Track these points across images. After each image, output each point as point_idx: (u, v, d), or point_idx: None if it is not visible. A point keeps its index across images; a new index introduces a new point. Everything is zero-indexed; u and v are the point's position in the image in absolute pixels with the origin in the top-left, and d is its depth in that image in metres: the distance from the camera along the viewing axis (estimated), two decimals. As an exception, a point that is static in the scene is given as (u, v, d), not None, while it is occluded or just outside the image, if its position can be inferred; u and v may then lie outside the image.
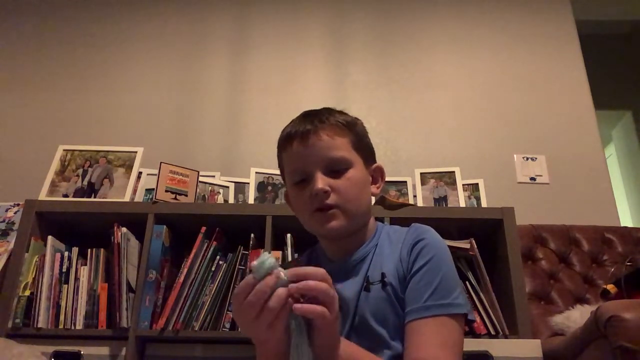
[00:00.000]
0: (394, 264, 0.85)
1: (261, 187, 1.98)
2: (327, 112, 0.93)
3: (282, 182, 1.99)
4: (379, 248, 0.90)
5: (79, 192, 1.77)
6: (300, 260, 1.05)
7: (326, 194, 0.84)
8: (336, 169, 0.86)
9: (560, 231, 1.91)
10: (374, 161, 0.96)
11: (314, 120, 0.90)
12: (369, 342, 0.80)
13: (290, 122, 0.94)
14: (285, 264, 0.90)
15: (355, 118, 0.96)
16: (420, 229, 0.89)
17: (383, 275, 0.84)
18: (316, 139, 0.87)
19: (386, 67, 2.44)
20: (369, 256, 0.89)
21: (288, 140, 0.90)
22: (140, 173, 1.90)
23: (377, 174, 0.96)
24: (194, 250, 1.55)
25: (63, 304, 1.50)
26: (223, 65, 2.43)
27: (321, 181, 0.84)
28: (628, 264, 1.71)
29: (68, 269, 1.55)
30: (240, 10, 2.57)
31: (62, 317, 1.48)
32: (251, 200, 1.93)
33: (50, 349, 1.43)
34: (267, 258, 0.64)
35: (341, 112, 0.95)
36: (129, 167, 1.84)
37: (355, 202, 0.87)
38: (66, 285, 1.53)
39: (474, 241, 1.53)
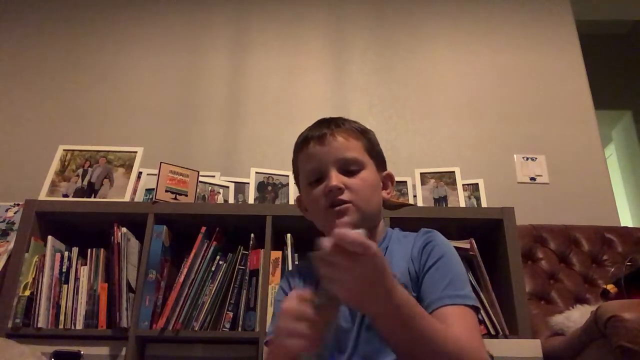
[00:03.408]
0: (406, 265, 0.88)
1: (261, 187, 1.98)
2: (343, 119, 0.97)
3: (282, 182, 1.99)
4: (389, 251, 0.92)
5: (79, 192, 1.77)
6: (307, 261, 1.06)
7: (340, 190, 0.87)
8: (350, 169, 0.90)
9: (560, 231, 1.91)
10: (385, 169, 0.99)
11: (331, 124, 0.94)
12: (379, 342, 0.80)
13: (307, 128, 0.97)
14: None
15: (369, 129, 1.01)
16: (429, 232, 0.92)
17: (394, 275, 0.85)
18: (332, 140, 0.91)
19: (386, 67, 2.44)
20: None
21: (305, 142, 0.94)
22: (140, 173, 1.90)
23: (388, 180, 0.99)
24: (194, 250, 1.55)
25: (63, 304, 1.50)
26: (223, 65, 2.43)
27: (336, 178, 0.87)
28: (628, 264, 1.71)
29: (68, 269, 1.55)
30: (240, 11, 2.57)
31: (62, 317, 1.49)
32: (251, 200, 1.93)
33: (50, 349, 1.43)
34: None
35: (355, 121, 0.99)
36: (129, 167, 1.84)
37: (367, 201, 0.89)
38: (66, 285, 1.53)
39: (474, 241, 1.53)
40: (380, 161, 0.97)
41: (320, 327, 0.65)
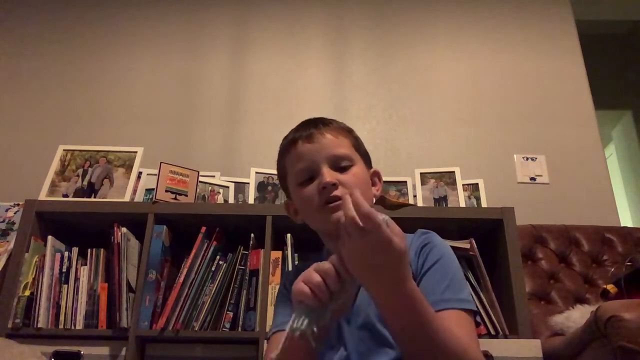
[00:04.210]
0: None
1: (261, 187, 1.98)
2: (327, 118, 0.97)
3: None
4: None
5: (79, 192, 1.77)
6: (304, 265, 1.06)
7: (334, 186, 0.85)
8: (341, 166, 0.89)
9: (560, 231, 1.91)
10: (371, 166, 0.99)
11: (318, 123, 0.93)
12: (374, 342, 0.80)
13: (292, 130, 0.96)
14: None
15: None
16: (426, 234, 0.91)
17: None
18: (321, 137, 0.90)
19: (386, 67, 2.44)
20: None
21: (292, 142, 0.92)
22: (140, 173, 1.90)
23: (375, 177, 0.99)
24: (194, 250, 1.55)
25: (63, 304, 1.50)
26: (223, 65, 2.43)
27: (329, 175, 0.86)
28: (628, 264, 1.71)
29: (68, 269, 1.55)
30: (240, 11, 2.57)
31: (62, 317, 1.49)
32: (251, 200, 1.93)
33: (50, 349, 1.43)
34: None
35: (339, 121, 0.99)
36: (129, 167, 1.84)
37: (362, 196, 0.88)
38: (66, 285, 1.53)
39: (474, 241, 1.53)
40: (367, 159, 0.97)
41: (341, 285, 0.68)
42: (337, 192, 0.85)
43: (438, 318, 0.72)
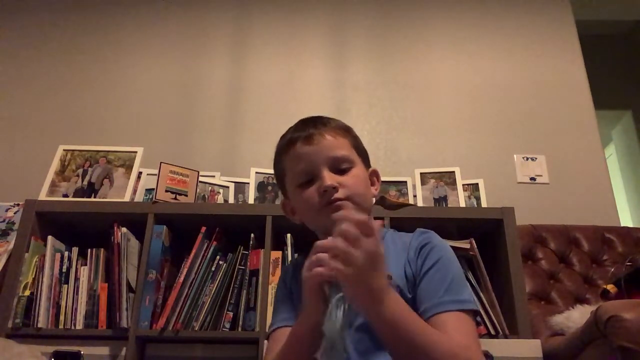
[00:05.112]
0: (402, 266, 0.87)
1: (261, 187, 1.98)
2: (326, 117, 0.96)
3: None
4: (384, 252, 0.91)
5: (79, 192, 1.77)
6: (299, 261, 1.06)
7: (335, 189, 0.85)
8: (341, 168, 0.88)
9: (560, 231, 1.91)
10: (370, 165, 0.99)
11: (317, 123, 0.92)
12: (373, 342, 0.80)
13: (289, 129, 0.95)
14: None
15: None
16: (425, 233, 0.91)
17: (389, 277, 0.85)
18: (321, 139, 0.89)
19: (386, 68, 2.44)
20: None
21: (291, 143, 0.91)
22: (140, 173, 1.90)
23: (374, 177, 0.98)
24: (194, 250, 1.55)
25: (63, 304, 1.50)
26: (223, 65, 2.43)
27: (329, 177, 0.85)
28: (628, 264, 1.71)
29: (68, 269, 1.55)
30: (240, 11, 2.57)
31: (62, 317, 1.49)
32: (251, 200, 1.93)
33: (50, 349, 1.43)
34: None
35: (338, 120, 0.98)
36: (129, 167, 1.84)
37: (362, 197, 0.88)
38: (66, 285, 1.53)
39: (474, 241, 1.53)
40: (366, 158, 0.97)
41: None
42: (338, 195, 0.85)
43: (430, 332, 0.73)
